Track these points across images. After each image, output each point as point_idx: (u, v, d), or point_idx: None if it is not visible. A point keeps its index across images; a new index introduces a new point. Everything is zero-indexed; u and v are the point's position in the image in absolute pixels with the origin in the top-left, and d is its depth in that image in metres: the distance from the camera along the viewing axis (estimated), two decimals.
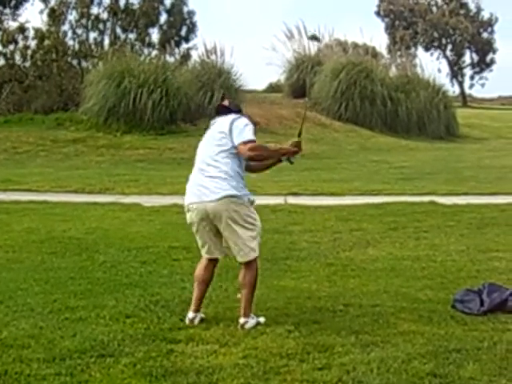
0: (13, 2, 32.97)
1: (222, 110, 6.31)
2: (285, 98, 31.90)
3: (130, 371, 4.88)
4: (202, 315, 6.11)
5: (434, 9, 67.23)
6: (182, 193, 6.28)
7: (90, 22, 35.44)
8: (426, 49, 67.35)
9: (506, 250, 9.18)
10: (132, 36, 37.16)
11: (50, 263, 8.35)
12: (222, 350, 5.30)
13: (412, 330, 5.80)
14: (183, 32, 39.69)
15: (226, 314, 6.24)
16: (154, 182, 16.51)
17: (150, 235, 10.14)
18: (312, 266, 8.32)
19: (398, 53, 44.30)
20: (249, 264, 5.99)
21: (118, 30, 36.87)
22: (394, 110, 29.15)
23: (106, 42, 36.06)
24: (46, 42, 32.18)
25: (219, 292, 7.00)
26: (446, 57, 67.38)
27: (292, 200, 13.90)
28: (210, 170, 5.88)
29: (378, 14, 68.87)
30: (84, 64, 33.59)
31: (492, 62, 68.29)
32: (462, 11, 65.90)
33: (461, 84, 66.21)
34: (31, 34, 32.80)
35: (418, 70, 32.42)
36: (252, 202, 6.00)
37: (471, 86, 68.57)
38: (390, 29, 67.48)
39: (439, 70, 61.17)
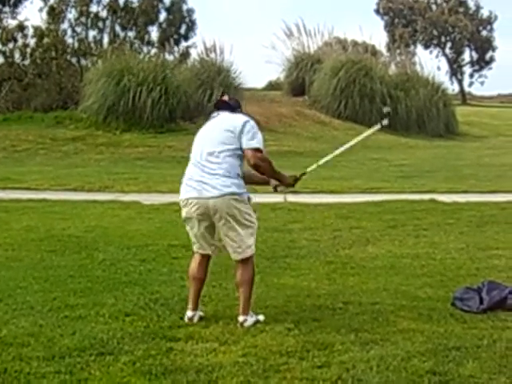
0: (12, 0, 32.97)
1: (222, 105, 6.30)
2: (284, 96, 31.93)
3: (130, 369, 4.87)
4: (201, 313, 6.11)
5: (434, 7, 67.34)
6: None
7: (89, 20, 35.47)
8: (426, 47, 67.45)
9: (505, 247, 9.18)
10: (131, 34, 37.22)
11: (50, 261, 8.34)
12: (221, 348, 5.30)
13: (411, 327, 5.80)
14: (182, 30, 39.73)
15: (226, 312, 6.23)
16: (154, 180, 16.50)
17: (150, 233, 10.13)
18: (312, 264, 8.32)
19: (398, 51, 44.29)
20: (245, 262, 5.98)
21: (118, 28, 36.91)
22: (394, 108, 29.10)
23: (106, 40, 36.15)
24: (46, 40, 32.19)
25: (219, 290, 6.99)
26: (445, 55, 67.46)
27: (292, 198, 13.86)
28: (212, 167, 5.85)
29: (377, 11, 68.98)
30: (83, 62, 33.61)
31: (491, 59, 68.45)
32: (461, 9, 65.99)
33: (460, 82, 66.34)
34: (30, 32, 32.86)
35: (418, 67, 32.51)
36: (249, 200, 6.01)
37: (471, 83, 68.78)
38: (390, 27, 67.54)
39: (438, 68, 61.25)
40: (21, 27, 32.66)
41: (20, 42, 32.62)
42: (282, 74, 35.03)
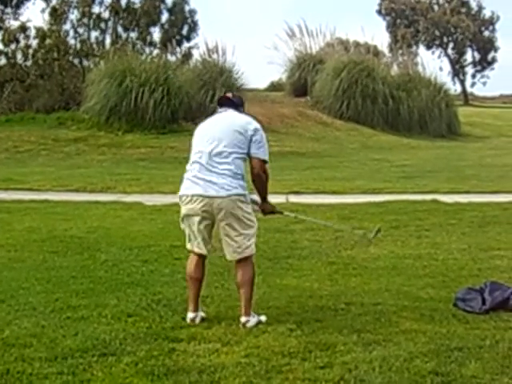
0: (14, 1, 32.97)
1: (225, 102, 6.32)
2: (286, 97, 31.91)
3: (132, 370, 4.88)
4: (203, 314, 6.11)
5: (436, 7, 67.34)
6: None
7: (91, 21, 35.47)
8: (428, 47, 67.46)
9: (507, 248, 9.17)
10: (133, 35, 37.21)
11: (52, 262, 8.35)
12: (223, 349, 5.30)
13: (414, 328, 5.80)
14: (185, 31, 39.73)
15: (228, 313, 6.24)
16: (156, 181, 16.51)
17: (152, 234, 10.14)
18: (314, 265, 8.32)
19: (400, 51, 44.28)
20: (245, 262, 6.00)
21: (120, 29, 36.90)
22: (396, 109, 29.14)
23: (108, 41, 36.14)
24: (48, 41, 32.20)
25: (221, 291, 6.99)
26: (447, 55, 67.46)
27: (294, 199, 13.90)
28: (221, 167, 5.87)
29: (379, 12, 68.97)
30: (85, 63, 33.60)
31: (493, 60, 68.46)
32: (463, 9, 65.97)
33: (462, 82, 66.32)
34: (33, 33, 32.87)
35: (420, 68, 32.47)
36: (252, 201, 6.07)
37: (473, 84, 68.79)
38: (392, 27, 67.55)
39: (441, 69, 61.13)
40: (23, 28, 32.68)
41: (22, 42, 32.65)
42: (284, 75, 35.04)
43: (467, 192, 14.68)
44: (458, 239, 9.86)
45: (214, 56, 27.92)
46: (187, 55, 36.05)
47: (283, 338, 5.56)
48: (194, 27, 39.95)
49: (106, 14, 36.20)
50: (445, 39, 67.20)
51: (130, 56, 27.15)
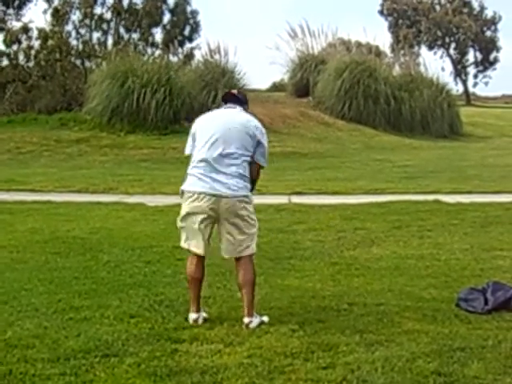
0: (16, 2, 32.97)
1: (230, 98, 6.34)
2: (288, 97, 31.90)
3: (135, 371, 4.88)
4: (205, 314, 6.12)
5: (438, 7, 67.33)
6: None
7: (93, 22, 35.46)
8: (430, 47, 67.43)
9: (510, 248, 9.17)
10: (135, 36, 37.19)
11: (54, 263, 8.35)
12: (226, 350, 5.30)
13: (416, 328, 5.80)
14: (187, 32, 39.71)
15: (230, 314, 6.24)
16: (158, 182, 16.50)
17: (154, 235, 10.14)
18: (316, 265, 8.32)
19: (402, 51, 44.20)
20: (246, 262, 6.02)
21: (122, 30, 36.90)
22: (398, 109, 29.12)
23: (110, 41, 36.12)
24: (50, 42, 32.20)
25: (223, 291, 7.00)
26: (449, 55, 67.44)
27: (296, 199, 13.90)
28: (230, 168, 5.92)
29: (381, 12, 68.98)
30: (87, 64, 33.59)
31: (496, 60, 68.42)
32: (465, 10, 65.95)
33: (464, 82, 66.29)
34: (35, 34, 32.85)
35: (422, 68, 32.44)
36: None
37: (475, 84, 68.74)
38: (394, 27, 67.54)
39: (443, 69, 61.27)
40: (25, 29, 32.68)
41: (24, 43, 32.64)
42: (286, 75, 35.03)
43: (469, 192, 14.67)
44: (461, 239, 9.86)
45: (216, 57, 27.93)
46: (189, 56, 36.01)
47: (285, 338, 5.56)
48: (195, 28, 39.95)
49: (108, 15, 36.22)
50: (447, 39, 67.17)
51: (132, 57, 27.17)
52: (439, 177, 17.46)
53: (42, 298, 6.77)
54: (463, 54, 67.65)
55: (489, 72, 68.58)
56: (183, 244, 6.19)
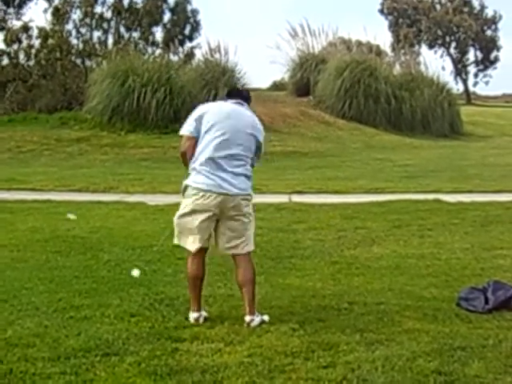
0: (17, 2, 33.00)
1: (234, 93, 6.39)
2: (288, 96, 31.91)
3: (135, 370, 4.88)
4: (205, 313, 6.12)
5: (438, 6, 67.28)
6: None
7: (93, 21, 35.48)
8: (430, 46, 67.37)
9: (510, 247, 9.18)
10: (136, 35, 37.23)
11: (55, 262, 8.36)
12: (226, 349, 5.30)
13: (417, 328, 5.80)
14: (187, 31, 39.74)
15: (231, 313, 6.24)
16: (159, 181, 16.50)
17: (155, 234, 10.12)
18: (316, 265, 8.32)
19: (402, 51, 44.21)
20: (246, 260, 6.08)
21: (122, 29, 36.92)
22: (398, 108, 29.12)
23: (110, 40, 36.18)
24: (50, 41, 32.23)
25: (223, 291, 7.00)
26: (449, 54, 67.38)
27: (296, 198, 13.90)
28: (237, 169, 6.00)
29: (381, 11, 68.94)
30: (88, 63, 33.62)
31: (496, 59, 68.35)
32: (465, 9, 65.91)
33: (465, 82, 66.24)
34: (35, 33, 32.90)
35: (422, 67, 32.43)
36: None
37: (475, 83, 68.68)
38: (394, 27, 67.50)
39: (443, 68, 61.24)
40: (25, 28, 32.70)
41: (25, 43, 32.67)
42: (286, 75, 35.03)
43: (470, 191, 14.68)
44: (461, 239, 9.86)
45: (217, 56, 27.92)
46: (189, 55, 36.02)
47: (286, 337, 5.56)
48: (196, 27, 39.97)
49: (108, 14, 36.24)
50: (447, 38, 67.14)
51: (133, 56, 27.16)
52: (440, 176, 17.46)
53: (42, 296, 6.77)
54: (464, 53, 67.60)
55: (489, 71, 68.60)
56: (179, 242, 6.19)
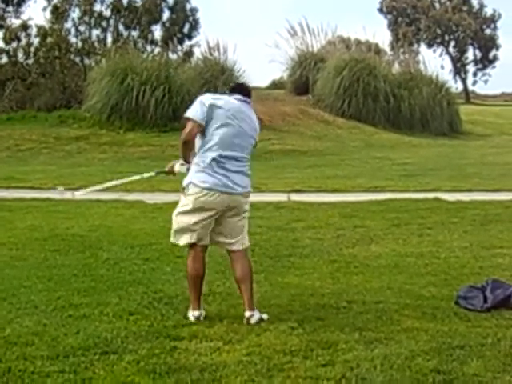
0: (16, 0, 32.97)
1: (239, 88, 6.36)
2: (288, 95, 31.93)
3: (134, 368, 4.88)
4: (204, 312, 6.12)
5: (437, 5, 67.27)
6: None
7: (92, 20, 35.48)
8: (429, 45, 67.38)
9: (509, 246, 9.17)
10: (135, 33, 37.24)
11: (54, 260, 8.35)
12: (225, 347, 5.30)
13: (415, 326, 5.80)
14: (186, 29, 39.72)
15: (230, 311, 6.24)
16: (157, 179, 16.45)
17: (153, 232, 10.13)
18: (315, 263, 8.32)
19: (401, 49, 44.33)
20: (243, 255, 6.14)
21: (121, 28, 36.91)
22: (397, 107, 29.15)
23: (109, 39, 36.19)
24: (49, 40, 32.25)
25: (222, 289, 6.99)
26: (448, 53, 67.39)
27: (295, 197, 13.90)
28: (240, 168, 6.05)
29: (380, 10, 68.96)
30: (87, 61, 33.66)
31: (495, 58, 68.39)
32: (464, 7, 65.93)
33: (464, 80, 66.24)
34: (34, 31, 32.94)
35: (421, 66, 32.51)
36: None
37: (474, 82, 68.73)
38: (393, 25, 67.51)
39: (442, 67, 61.21)
40: (24, 26, 32.72)
41: (23, 41, 32.72)
42: (285, 73, 35.09)
43: (469, 190, 14.68)
44: (460, 237, 9.86)
45: (216, 54, 27.95)
46: (188, 53, 36.07)
47: (285, 336, 5.56)
48: (195, 25, 39.95)
49: (107, 13, 36.24)
50: (446, 37, 67.13)
51: (132, 54, 27.16)
52: (439, 175, 17.47)
53: (41, 295, 6.77)
54: (463, 51, 67.60)
55: (488, 70, 68.62)
56: (180, 239, 6.14)
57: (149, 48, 36.01)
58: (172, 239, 6.23)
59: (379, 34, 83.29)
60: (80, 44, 34.39)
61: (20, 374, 4.76)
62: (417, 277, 7.64)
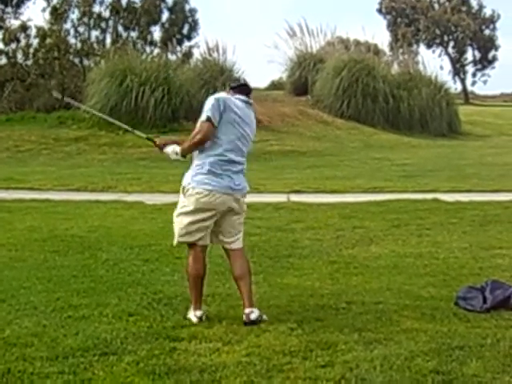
0: (15, 1, 32.97)
1: (243, 88, 6.31)
2: (287, 96, 31.92)
3: (133, 369, 4.88)
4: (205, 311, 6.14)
5: (436, 6, 67.27)
6: None
7: (91, 21, 35.45)
8: (428, 46, 67.38)
9: (508, 247, 9.18)
10: (134, 34, 37.19)
11: (53, 261, 8.35)
12: (225, 348, 5.30)
13: (415, 327, 5.80)
14: (185, 30, 39.68)
15: (229, 312, 6.24)
16: (157, 180, 16.50)
17: (153, 233, 10.14)
18: (315, 264, 8.32)
19: (400, 50, 44.33)
20: (242, 253, 6.22)
21: (120, 29, 36.89)
22: (396, 107, 29.14)
23: (108, 40, 36.12)
24: (48, 41, 32.20)
25: (222, 290, 6.99)
26: (448, 54, 67.38)
27: (295, 198, 13.90)
28: (241, 166, 6.13)
29: (379, 11, 68.93)
30: (86, 62, 33.60)
31: (494, 59, 68.35)
32: (463, 8, 65.92)
33: (463, 81, 66.24)
34: (33, 32, 32.88)
35: (420, 67, 32.49)
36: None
37: (473, 83, 68.73)
38: (392, 26, 67.51)
39: (441, 67, 61.29)
40: (23, 27, 32.68)
41: (23, 42, 32.67)
42: (284, 74, 35.07)
43: (468, 191, 14.68)
44: (459, 238, 9.86)
45: (215, 55, 27.94)
46: (188, 54, 36.04)
47: (284, 336, 5.56)
48: (194, 26, 39.92)
49: (106, 14, 36.21)
50: (445, 38, 67.13)
51: (131, 55, 27.14)
52: (438, 175, 17.47)
53: (40, 296, 6.77)
54: (462, 52, 67.60)
55: (487, 70, 68.57)
56: (183, 239, 6.12)
57: (148, 49, 36.03)
58: (175, 240, 6.22)
59: (378, 34, 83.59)
60: (79, 45, 34.34)
61: (19, 375, 4.76)
62: (416, 277, 7.64)
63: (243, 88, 6.30)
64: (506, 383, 4.70)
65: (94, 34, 35.86)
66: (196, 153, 6.06)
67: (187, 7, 39.86)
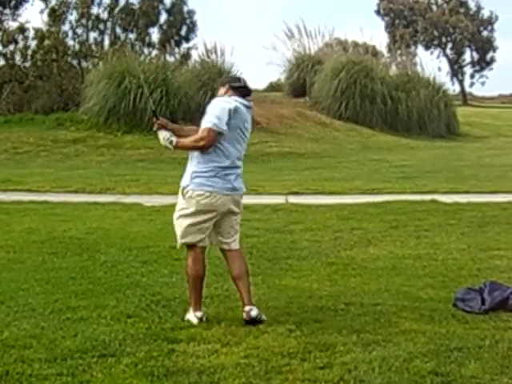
0: (13, 2, 32.95)
1: (243, 90, 6.27)
2: (285, 97, 31.90)
3: (132, 371, 4.88)
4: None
5: (434, 7, 67.29)
6: None
7: (90, 22, 35.45)
8: (426, 47, 67.39)
9: (507, 248, 9.18)
10: (132, 36, 37.19)
11: (51, 263, 8.35)
12: (223, 350, 5.30)
13: (413, 328, 5.80)
14: (183, 31, 39.67)
15: (228, 314, 6.24)
16: (155, 182, 16.50)
17: (151, 235, 10.13)
18: (313, 265, 8.32)
19: (398, 51, 44.28)
20: (239, 253, 6.26)
21: (118, 30, 36.89)
22: (395, 109, 29.11)
23: (106, 41, 36.13)
24: (46, 42, 32.20)
25: (220, 291, 6.99)
26: (446, 55, 67.40)
27: (293, 199, 13.90)
28: (240, 169, 6.18)
29: (377, 12, 68.91)
30: (84, 64, 33.61)
31: (492, 60, 68.35)
32: (461, 9, 65.92)
33: (461, 82, 66.25)
34: (31, 34, 32.89)
35: (419, 68, 32.40)
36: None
37: (471, 84, 68.66)
38: (390, 27, 67.49)
39: (439, 69, 61.12)
40: (22, 29, 32.68)
41: (21, 43, 32.66)
42: (282, 75, 35.06)
43: (466, 192, 14.69)
44: (458, 239, 9.86)
45: (213, 57, 27.91)
46: (186, 56, 36.04)
47: (283, 338, 5.56)
48: (192, 28, 39.91)
49: (104, 15, 36.21)
50: (443, 39, 67.16)
51: (129, 57, 27.10)
52: (436, 177, 17.48)
53: (38, 298, 6.77)
54: (460, 53, 67.62)
55: (485, 72, 68.56)
56: (186, 239, 6.11)
57: (146, 50, 36.02)
58: (179, 243, 6.22)
59: (376, 36, 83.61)
60: (77, 47, 34.35)
61: (18, 377, 4.76)
62: (414, 279, 7.64)
63: (243, 89, 6.28)
64: None
65: (92, 35, 35.91)
66: (196, 153, 6.05)
67: (185, 9, 39.88)
